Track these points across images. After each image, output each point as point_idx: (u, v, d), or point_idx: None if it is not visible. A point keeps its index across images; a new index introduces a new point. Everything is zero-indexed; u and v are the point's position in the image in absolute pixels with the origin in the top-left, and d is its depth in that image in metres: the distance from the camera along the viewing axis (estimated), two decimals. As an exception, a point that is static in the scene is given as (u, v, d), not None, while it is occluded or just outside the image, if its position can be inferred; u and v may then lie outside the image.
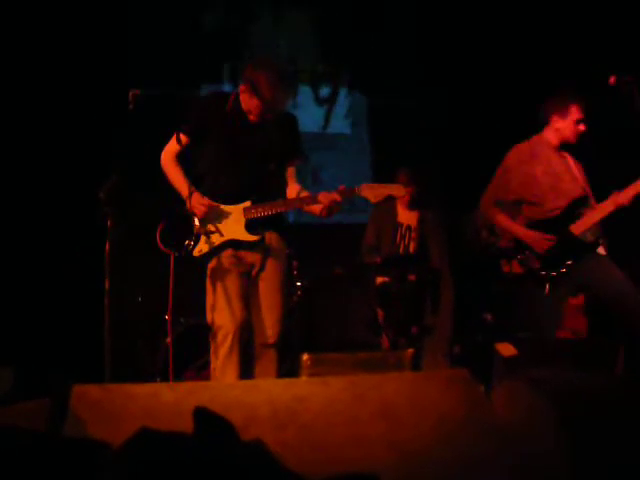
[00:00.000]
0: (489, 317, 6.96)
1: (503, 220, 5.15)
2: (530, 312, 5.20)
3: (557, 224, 4.91)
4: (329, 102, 8.66)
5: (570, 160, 5.17)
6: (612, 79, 4.59)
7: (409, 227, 6.63)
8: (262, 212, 4.26)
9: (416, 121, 8.26)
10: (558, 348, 4.88)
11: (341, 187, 4.22)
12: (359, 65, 8.56)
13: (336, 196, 4.19)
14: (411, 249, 6.58)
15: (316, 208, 4.35)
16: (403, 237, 6.61)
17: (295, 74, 4.42)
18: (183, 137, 4.33)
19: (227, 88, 7.99)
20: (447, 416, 2.69)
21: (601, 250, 4.90)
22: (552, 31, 7.32)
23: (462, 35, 7.94)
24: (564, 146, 5.15)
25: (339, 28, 8.34)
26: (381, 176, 6.38)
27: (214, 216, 4.26)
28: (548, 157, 5.09)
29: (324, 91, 8.63)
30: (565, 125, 5.03)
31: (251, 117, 4.32)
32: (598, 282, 4.87)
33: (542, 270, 4.89)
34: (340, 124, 8.74)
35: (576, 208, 4.91)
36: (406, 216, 6.66)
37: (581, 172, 5.19)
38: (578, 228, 4.86)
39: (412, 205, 6.61)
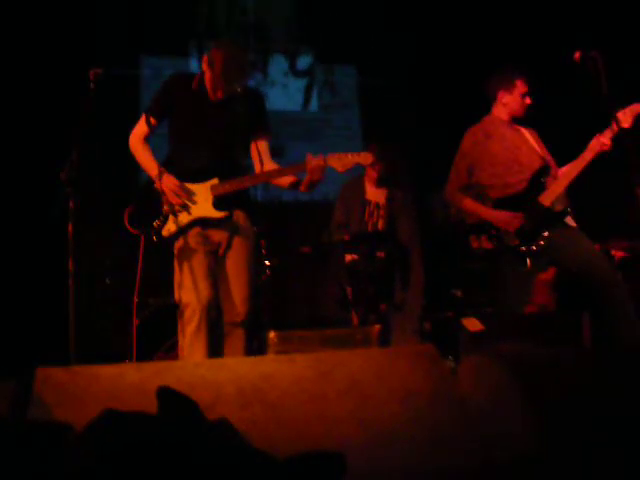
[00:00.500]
0: (458, 293, 6.99)
1: (470, 205, 5.15)
2: (501, 287, 5.21)
3: (524, 198, 4.92)
4: (308, 75, 8.48)
5: (525, 132, 5.20)
6: (577, 55, 4.59)
7: (377, 204, 6.62)
8: (230, 188, 4.24)
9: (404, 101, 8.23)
10: (524, 322, 4.91)
11: (308, 155, 4.19)
12: (347, 35, 8.26)
13: (321, 161, 4.14)
14: (380, 226, 6.58)
15: (285, 180, 4.35)
16: (371, 214, 6.61)
17: (246, 54, 4.39)
18: (152, 119, 4.32)
19: (193, 63, 7.87)
20: (414, 392, 2.69)
21: (570, 221, 4.91)
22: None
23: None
24: (516, 120, 5.18)
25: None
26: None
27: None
28: (502, 133, 5.11)
29: (302, 61, 8.40)
30: (512, 99, 5.08)
31: (214, 95, 4.31)
32: (568, 254, 4.88)
33: (521, 245, 4.89)
34: (324, 103, 8.41)
35: (539, 178, 4.92)
36: (374, 193, 6.66)
37: (539, 142, 5.22)
38: (547, 199, 4.87)
39: (380, 182, 6.61)
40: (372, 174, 6.56)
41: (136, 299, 5.51)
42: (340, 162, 4.15)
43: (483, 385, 2.78)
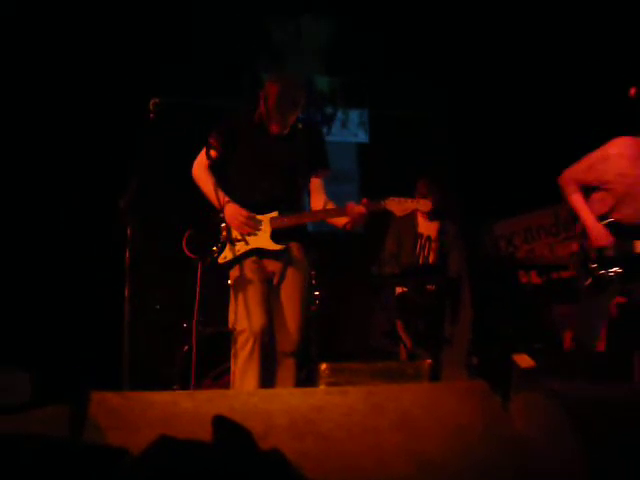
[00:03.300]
0: (508, 329, 6.95)
1: (578, 201, 4.96)
2: (579, 322, 5.14)
3: (625, 231, 4.82)
4: (330, 118, 8.73)
5: None
6: (632, 91, 4.58)
7: (429, 238, 6.63)
8: (289, 222, 4.30)
9: (418, 132, 8.24)
10: (575, 360, 4.86)
11: (365, 200, 4.24)
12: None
13: (362, 209, 4.20)
14: (430, 260, 6.58)
15: (339, 221, 4.38)
16: (423, 248, 6.61)
17: (303, 86, 4.43)
18: (213, 152, 4.38)
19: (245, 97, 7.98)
20: (465, 427, 2.68)
21: None
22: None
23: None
24: None
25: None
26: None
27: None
28: None
29: (327, 110, 8.70)
30: None
31: (274, 129, 4.37)
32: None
33: (594, 263, 4.81)
34: (337, 132, 8.74)
35: None
36: (426, 227, 6.66)
37: None
38: None
39: (432, 216, 6.61)
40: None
41: (189, 325, 5.58)
42: (399, 207, 4.20)
43: (535, 422, 2.77)
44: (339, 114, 8.64)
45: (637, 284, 4.79)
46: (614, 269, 4.76)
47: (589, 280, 4.81)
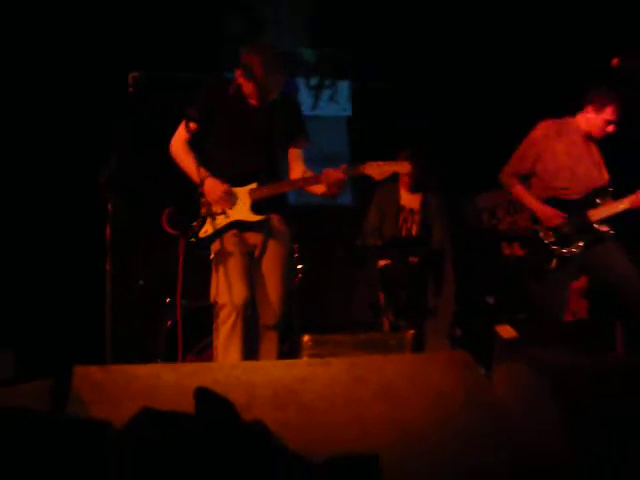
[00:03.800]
0: (491, 300, 6.98)
1: (520, 191, 5.19)
2: (537, 294, 5.21)
3: (574, 205, 4.92)
4: (317, 89, 8.60)
5: (595, 151, 5.17)
6: (615, 61, 4.62)
7: (412, 210, 6.62)
8: (268, 192, 4.27)
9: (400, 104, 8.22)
10: (557, 330, 4.90)
11: (344, 166, 4.21)
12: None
13: (340, 174, 4.18)
14: (413, 232, 6.58)
15: (319, 188, 4.35)
16: (406, 220, 6.61)
17: (287, 56, 4.38)
18: (192, 124, 4.34)
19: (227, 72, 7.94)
20: (447, 397, 2.70)
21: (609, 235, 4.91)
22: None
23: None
24: (591, 138, 5.13)
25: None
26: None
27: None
28: (573, 139, 5.11)
29: (313, 81, 8.56)
30: (596, 119, 5.04)
31: (252, 101, 4.34)
32: (602, 264, 4.89)
33: (554, 245, 4.91)
34: (325, 106, 8.61)
35: (596, 197, 4.95)
36: (409, 199, 6.66)
37: (604, 165, 5.19)
38: (595, 215, 4.89)
39: (415, 188, 6.60)
40: (406, 180, 6.56)
41: (169, 300, 5.57)
42: (378, 170, 4.16)
43: (516, 391, 2.79)
44: (326, 87, 8.57)
45: (599, 252, 4.88)
46: (576, 244, 4.86)
47: (554, 262, 4.90)
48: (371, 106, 8.37)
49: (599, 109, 5.00)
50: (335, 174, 4.15)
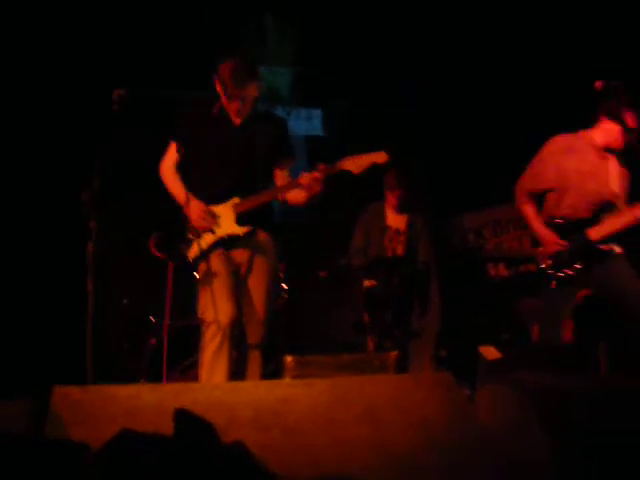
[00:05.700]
0: (476, 320, 6.98)
1: (527, 211, 5.09)
2: (543, 318, 5.18)
3: (576, 226, 4.86)
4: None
5: (612, 164, 4.99)
6: (598, 84, 4.61)
7: (397, 230, 6.62)
8: (251, 204, 4.26)
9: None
10: (541, 351, 4.89)
11: (320, 165, 4.19)
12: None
13: (317, 175, 4.16)
14: (399, 252, 6.57)
15: (300, 196, 4.33)
16: (391, 240, 6.61)
17: (254, 59, 4.34)
18: (179, 146, 4.34)
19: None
20: (431, 419, 2.68)
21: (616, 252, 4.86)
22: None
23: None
24: (611, 150, 4.96)
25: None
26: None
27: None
28: (585, 155, 4.95)
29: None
30: (613, 129, 4.87)
31: (234, 120, 4.34)
32: (604, 283, 4.84)
33: (550, 269, 4.88)
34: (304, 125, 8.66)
35: (600, 213, 4.86)
36: (395, 219, 6.66)
37: (624, 178, 5.01)
38: (596, 234, 4.83)
39: (401, 208, 6.60)
40: (392, 200, 6.56)
41: (155, 319, 5.55)
42: (355, 164, 4.15)
43: (499, 413, 2.77)
44: (302, 111, 8.61)
45: (597, 270, 4.84)
46: (574, 266, 4.82)
47: (553, 283, 4.87)
48: (358, 129, 8.38)
49: (616, 118, 4.82)
50: (311, 175, 4.14)
